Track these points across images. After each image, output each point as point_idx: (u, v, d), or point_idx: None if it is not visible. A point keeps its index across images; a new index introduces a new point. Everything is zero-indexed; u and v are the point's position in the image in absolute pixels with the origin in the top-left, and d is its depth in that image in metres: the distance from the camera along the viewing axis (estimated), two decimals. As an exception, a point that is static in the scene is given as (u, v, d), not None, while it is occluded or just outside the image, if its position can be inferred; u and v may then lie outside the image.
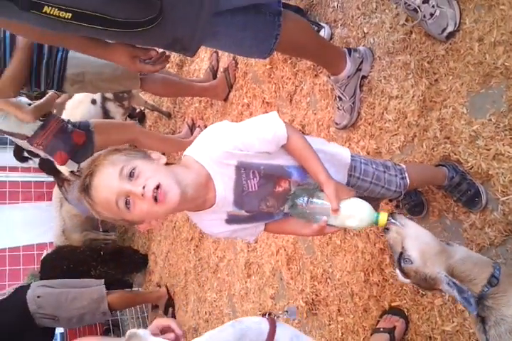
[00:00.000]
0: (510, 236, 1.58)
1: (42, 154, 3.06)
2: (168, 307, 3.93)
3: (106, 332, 4.67)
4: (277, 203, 1.37)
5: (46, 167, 4.00)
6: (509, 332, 1.11)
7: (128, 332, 1.20)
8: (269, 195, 1.35)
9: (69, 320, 3.35)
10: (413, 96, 1.91)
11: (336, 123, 2.29)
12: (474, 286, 1.18)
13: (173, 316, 3.88)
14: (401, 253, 1.23)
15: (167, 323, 1.35)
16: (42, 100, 2.89)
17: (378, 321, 2.03)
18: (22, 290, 3.28)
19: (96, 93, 3.46)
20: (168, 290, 4.04)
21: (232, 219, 1.37)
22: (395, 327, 1.93)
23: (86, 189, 1.19)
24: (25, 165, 5.21)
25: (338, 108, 2.25)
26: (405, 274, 1.24)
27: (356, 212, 1.25)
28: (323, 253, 2.40)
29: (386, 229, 1.27)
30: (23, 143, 3.15)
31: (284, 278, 2.67)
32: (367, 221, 1.25)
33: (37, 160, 4.11)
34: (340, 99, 2.21)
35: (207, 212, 1.32)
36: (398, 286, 1.96)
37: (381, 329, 1.97)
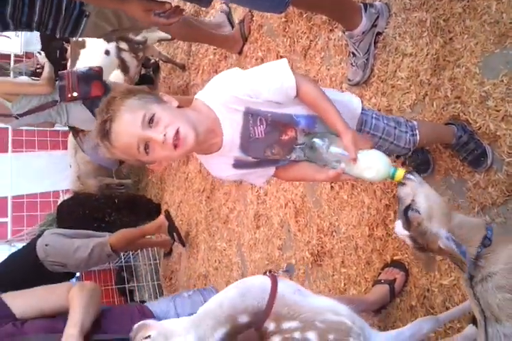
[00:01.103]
0: (512, 196, 1.62)
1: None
2: (172, 232, 3.97)
3: (118, 277, 4.85)
4: (283, 151, 1.40)
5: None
6: (495, 287, 1.16)
7: None
8: (276, 142, 1.38)
9: (77, 266, 3.52)
10: (427, 55, 1.90)
11: (349, 80, 2.29)
12: (470, 248, 1.22)
13: (180, 238, 3.96)
14: (409, 205, 1.25)
15: None
16: (46, 70, 3.11)
17: (380, 273, 2.11)
18: (36, 238, 3.44)
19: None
20: (168, 215, 4.03)
21: (239, 164, 1.42)
22: (395, 280, 2.02)
23: (106, 134, 1.24)
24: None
25: (351, 64, 2.25)
26: (408, 224, 1.25)
27: (374, 164, 1.27)
28: (330, 208, 2.46)
29: (402, 184, 1.28)
30: None
31: (291, 230, 2.76)
32: (384, 173, 1.27)
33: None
34: (354, 55, 2.20)
35: (214, 156, 1.37)
36: (400, 241, 2.03)
37: (382, 281, 2.06)
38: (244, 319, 1.19)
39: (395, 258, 2.07)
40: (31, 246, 3.36)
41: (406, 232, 1.27)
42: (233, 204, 3.41)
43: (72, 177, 4.84)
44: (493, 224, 1.65)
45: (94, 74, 3.25)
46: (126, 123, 1.23)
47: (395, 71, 2.06)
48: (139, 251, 4.61)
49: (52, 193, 5.61)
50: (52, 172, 5.52)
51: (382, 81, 2.14)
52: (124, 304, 4.44)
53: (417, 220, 1.23)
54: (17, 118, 3.17)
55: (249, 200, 3.19)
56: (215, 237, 3.65)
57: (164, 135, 1.21)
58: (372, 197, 2.19)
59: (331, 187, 2.44)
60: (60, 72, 3.29)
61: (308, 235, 2.61)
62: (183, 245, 4.01)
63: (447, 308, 1.80)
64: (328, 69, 2.49)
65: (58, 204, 4.72)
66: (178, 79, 4.42)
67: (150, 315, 1.81)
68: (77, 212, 4.43)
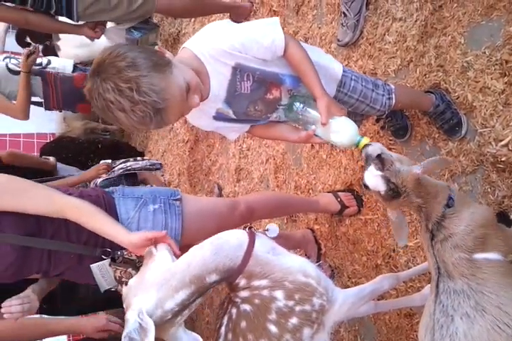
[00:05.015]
0: (481, 166, 1.68)
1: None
2: None
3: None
4: (265, 109, 1.46)
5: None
6: (453, 246, 1.24)
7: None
8: (260, 99, 1.43)
9: None
10: (416, 21, 1.90)
11: (338, 40, 2.29)
12: (437, 205, 1.27)
13: None
14: (379, 154, 1.26)
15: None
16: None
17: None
18: None
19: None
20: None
21: (219, 117, 1.46)
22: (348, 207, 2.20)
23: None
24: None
25: (341, 24, 2.24)
26: (382, 164, 1.25)
27: (342, 130, 1.35)
28: (309, 166, 2.52)
29: (367, 145, 1.31)
30: None
31: (270, 185, 2.82)
32: (349, 140, 1.35)
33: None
34: (345, 15, 2.19)
35: None
36: (372, 202, 2.11)
37: (339, 199, 2.20)
38: (212, 278, 1.21)
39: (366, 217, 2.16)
40: None
41: (379, 172, 1.25)
42: (216, 157, 3.46)
43: (58, 118, 4.79)
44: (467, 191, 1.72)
45: (79, 94, 3.24)
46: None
47: (384, 35, 2.06)
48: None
49: (37, 135, 5.57)
50: (37, 115, 5.45)
51: (370, 44, 2.15)
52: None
53: (391, 160, 1.26)
54: None
55: (232, 154, 3.23)
56: (196, 188, 3.72)
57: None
58: (350, 158, 2.25)
59: (312, 146, 2.49)
60: (41, 71, 3.37)
61: (286, 191, 2.68)
62: None
63: (409, 268, 1.90)
64: (319, 28, 2.48)
65: (42, 146, 4.71)
66: (169, 26, 4.33)
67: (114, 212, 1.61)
68: (59, 154, 4.41)
